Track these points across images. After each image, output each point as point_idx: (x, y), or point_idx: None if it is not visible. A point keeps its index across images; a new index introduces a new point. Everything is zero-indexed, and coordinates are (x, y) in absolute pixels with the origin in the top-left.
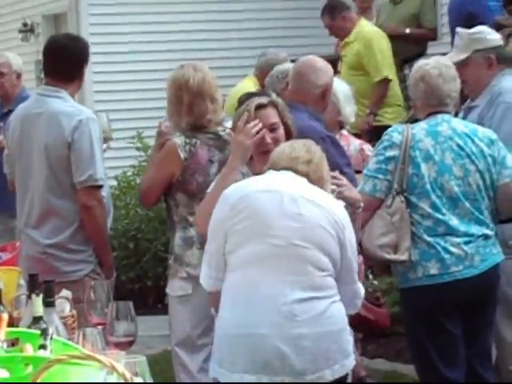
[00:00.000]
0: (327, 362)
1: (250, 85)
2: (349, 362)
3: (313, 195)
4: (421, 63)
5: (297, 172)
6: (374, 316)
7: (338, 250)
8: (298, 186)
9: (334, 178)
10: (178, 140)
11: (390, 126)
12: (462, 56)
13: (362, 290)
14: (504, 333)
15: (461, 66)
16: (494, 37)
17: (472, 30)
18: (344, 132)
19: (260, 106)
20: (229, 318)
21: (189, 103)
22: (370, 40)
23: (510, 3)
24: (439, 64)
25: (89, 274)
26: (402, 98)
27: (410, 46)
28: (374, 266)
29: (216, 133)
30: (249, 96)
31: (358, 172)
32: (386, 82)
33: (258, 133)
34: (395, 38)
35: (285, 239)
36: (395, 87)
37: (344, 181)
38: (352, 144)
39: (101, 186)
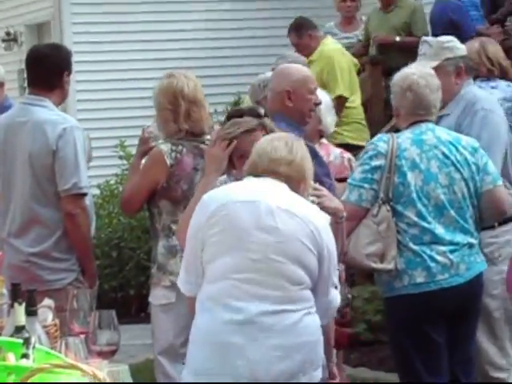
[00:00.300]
0: (297, 373)
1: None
2: (317, 373)
3: (290, 205)
4: (407, 72)
5: (277, 174)
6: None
7: (315, 261)
8: (276, 195)
9: (314, 189)
10: (164, 147)
11: (349, 144)
12: (433, 64)
13: (337, 299)
14: (480, 339)
15: None
16: (462, 46)
17: (443, 39)
18: (324, 141)
19: (248, 131)
20: (203, 326)
21: (186, 110)
22: (330, 57)
23: (491, 13)
24: (425, 74)
25: (72, 282)
26: (363, 117)
27: (399, 54)
28: (357, 274)
29: (202, 141)
30: (238, 112)
31: (343, 180)
32: (341, 99)
33: (230, 143)
34: (385, 47)
35: (260, 253)
36: (356, 105)
37: (324, 191)
38: (332, 153)
39: (85, 194)
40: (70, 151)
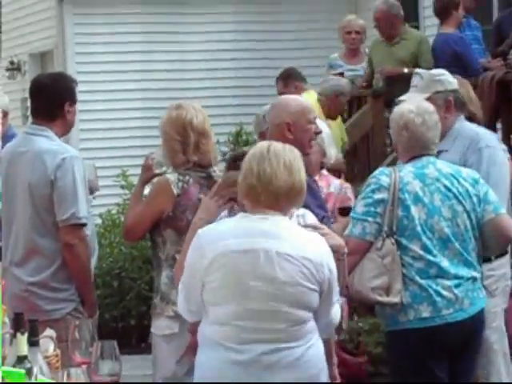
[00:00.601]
0: None
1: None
2: None
3: (289, 247)
4: (404, 109)
5: (277, 206)
6: (347, 369)
7: (316, 297)
8: (274, 236)
9: (314, 227)
10: (171, 176)
11: None
12: (423, 96)
13: (338, 315)
14: (479, 372)
15: None
16: (454, 80)
17: (434, 72)
18: (324, 172)
19: None
20: (208, 365)
21: (195, 142)
22: None
23: (497, 45)
24: (422, 110)
25: (71, 312)
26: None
27: (407, 86)
28: (358, 306)
29: (208, 172)
30: (242, 156)
31: (347, 209)
32: None
33: (229, 201)
34: (393, 79)
35: (261, 302)
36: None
37: (325, 229)
38: (332, 184)
39: (84, 225)
40: (69, 181)
